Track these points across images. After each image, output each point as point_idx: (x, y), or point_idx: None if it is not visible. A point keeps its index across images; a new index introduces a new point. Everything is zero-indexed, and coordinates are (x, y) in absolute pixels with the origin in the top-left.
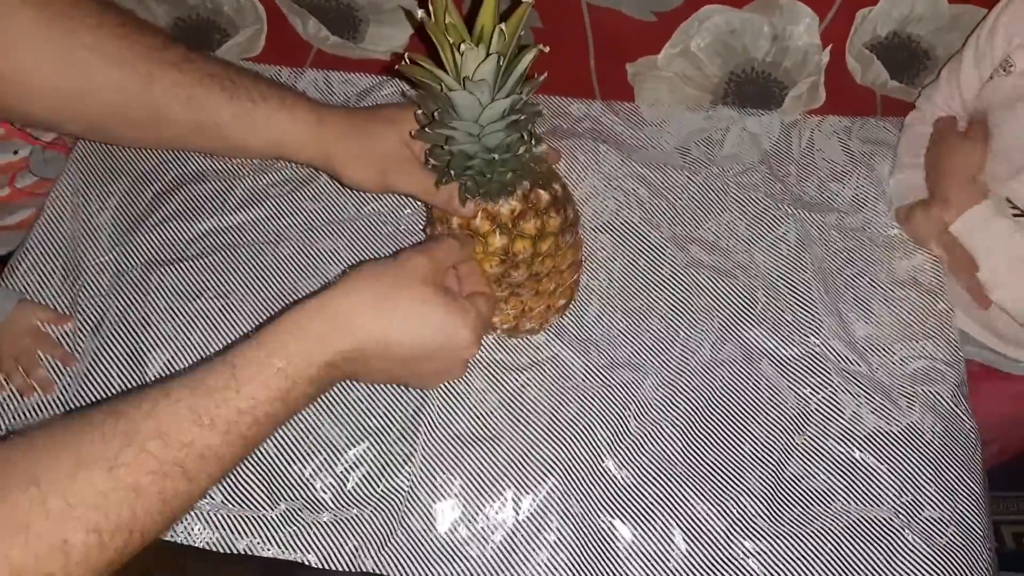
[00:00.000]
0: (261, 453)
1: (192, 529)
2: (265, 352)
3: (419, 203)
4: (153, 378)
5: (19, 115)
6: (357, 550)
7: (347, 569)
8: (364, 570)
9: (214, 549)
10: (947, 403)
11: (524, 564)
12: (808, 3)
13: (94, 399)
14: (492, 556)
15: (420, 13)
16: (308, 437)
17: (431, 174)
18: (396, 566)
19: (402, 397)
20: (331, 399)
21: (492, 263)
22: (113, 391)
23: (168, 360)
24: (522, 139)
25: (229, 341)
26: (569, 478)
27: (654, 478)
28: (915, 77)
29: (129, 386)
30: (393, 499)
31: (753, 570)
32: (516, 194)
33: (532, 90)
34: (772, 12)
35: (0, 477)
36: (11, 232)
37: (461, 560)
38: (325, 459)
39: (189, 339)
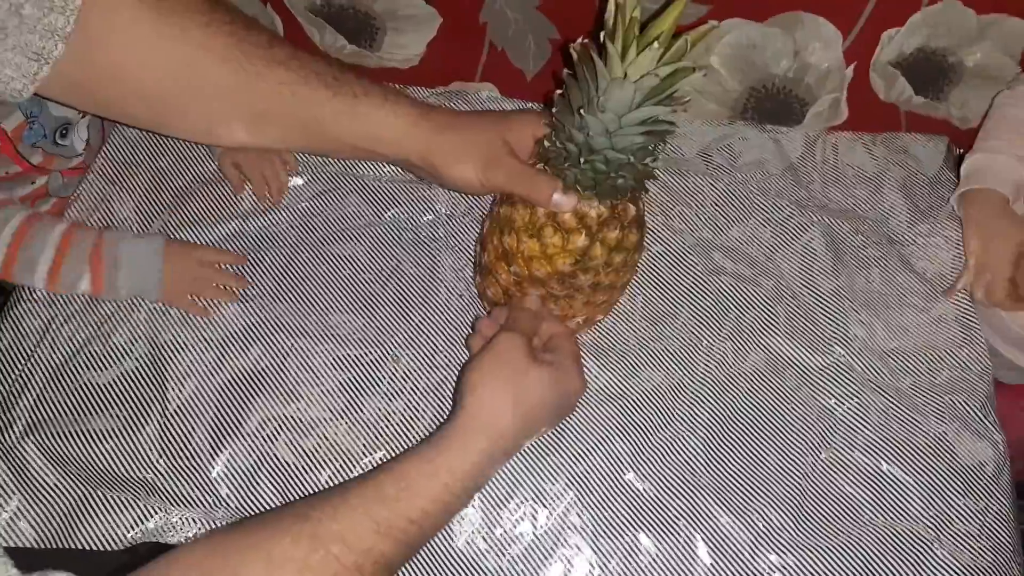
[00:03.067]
0: (277, 459)
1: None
2: (433, 467)
3: (440, 209)
4: (176, 383)
5: (121, 112)
6: None
7: None
8: None
9: None
10: (976, 414)
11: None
12: (831, 19)
13: (117, 402)
14: (510, 569)
15: (610, 2)
16: (323, 444)
17: (534, 171)
18: (409, 571)
19: (419, 405)
20: (344, 406)
21: (566, 260)
22: (136, 394)
23: (190, 364)
24: (649, 151)
25: (248, 346)
26: (589, 490)
27: (677, 490)
28: (940, 92)
29: (150, 390)
30: None
31: None
32: (607, 201)
33: (676, 108)
34: (795, 27)
35: (207, 573)
36: None
37: (479, 572)
38: (341, 466)
39: (209, 343)
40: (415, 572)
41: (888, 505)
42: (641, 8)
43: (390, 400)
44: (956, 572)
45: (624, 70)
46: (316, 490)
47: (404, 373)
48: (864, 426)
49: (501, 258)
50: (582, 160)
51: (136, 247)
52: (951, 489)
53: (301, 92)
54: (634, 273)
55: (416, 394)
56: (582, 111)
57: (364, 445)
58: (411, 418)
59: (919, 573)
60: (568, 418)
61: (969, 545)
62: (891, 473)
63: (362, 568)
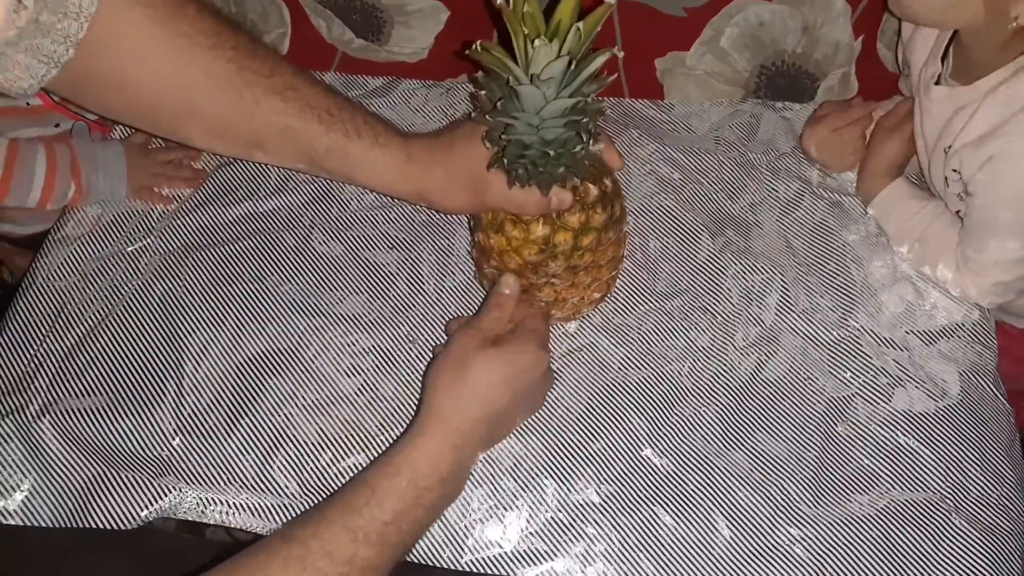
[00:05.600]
0: (293, 437)
1: (227, 515)
2: (394, 467)
3: None
4: (192, 362)
5: (119, 117)
6: None
7: None
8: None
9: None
10: (987, 384)
11: (563, 553)
12: None
13: (133, 380)
14: (529, 546)
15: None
16: (338, 423)
17: (516, 191)
18: (428, 552)
19: None
20: (360, 386)
21: (531, 251)
22: (152, 374)
23: (205, 343)
24: (579, 137)
25: (263, 326)
26: (608, 467)
27: (695, 466)
28: None
29: (167, 368)
30: None
31: (799, 557)
32: (565, 187)
33: (598, 90)
34: (802, 3)
35: None
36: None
37: (496, 546)
38: (355, 445)
39: (225, 322)
40: (427, 545)
41: (905, 476)
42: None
43: (406, 381)
44: (974, 540)
45: (528, 71)
46: (331, 469)
47: (419, 354)
48: (879, 399)
49: (482, 253)
50: (520, 157)
51: (104, 150)
52: (966, 459)
53: (293, 125)
54: (622, 247)
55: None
56: (503, 114)
57: (379, 424)
58: None
59: (938, 542)
60: (585, 397)
61: (985, 514)
62: (907, 444)
63: None
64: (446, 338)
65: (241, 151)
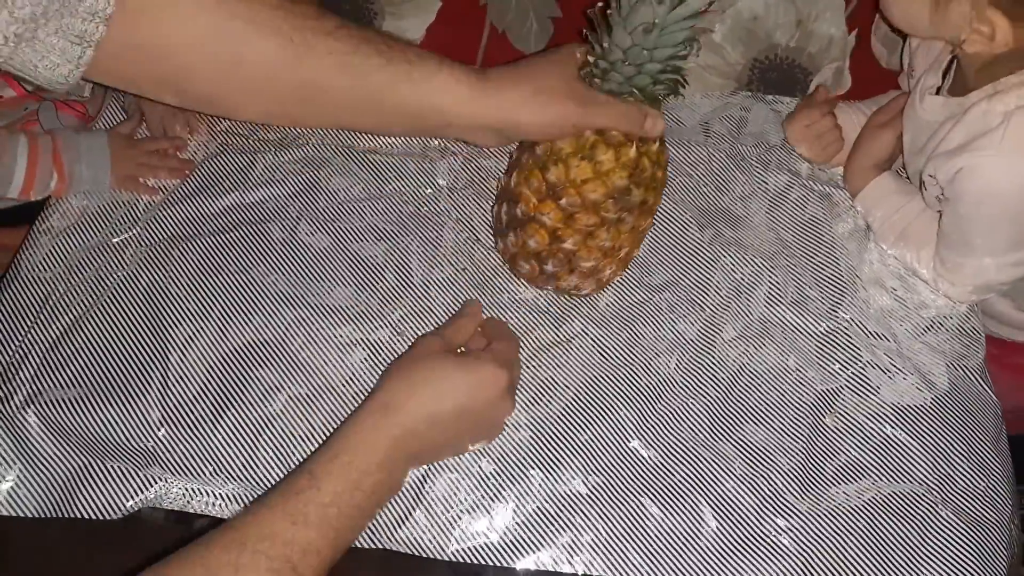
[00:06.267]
0: (279, 428)
1: (213, 506)
2: (333, 451)
3: (440, 183)
4: (177, 353)
5: (172, 91)
6: (377, 531)
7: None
8: (386, 548)
9: None
10: (975, 377)
11: (549, 544)
12: None
13: (119, 371)
14: (516, 536)
15: None
16: (325, 414)
17: (626, 103)
18: (414, 542)
19: None
20: (347, 377)
21: (622, 174)
22: (137, 365)
23: (191, 334)
24: (687, 45)
25: (250, 317)
26: (595, 458)
27: (682, 457)
28: None
29: (152, 359)
30: (414, 476)
31: (786, 547)
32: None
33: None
34: None
35: None
36: None
37: (482, 536)
38: None
39: (211, 313)
40: (414, 537)
41: (892, 468)
42: None
43: None
44: (961, 531)
45: None
46: None
47: (406, 346)
48: (867, 391)
49: (547, 197)
50: (627, 65)
51: (88, 140)
52: (953, 451)
53: (351, 61)
54: (640, 241)
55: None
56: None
57: None
58: None
59: (925, 534)
60: (573, 388)
61: (972, 505)
62: (895, 436)
63: (290, 558)
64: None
65: (285, 108)
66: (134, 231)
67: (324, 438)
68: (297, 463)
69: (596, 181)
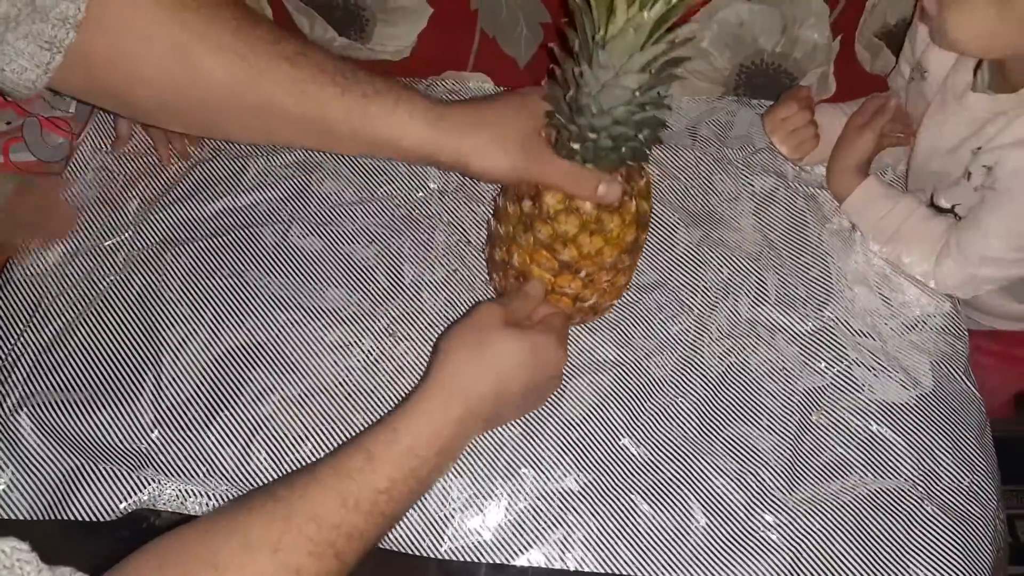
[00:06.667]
0: (273, 429)
1: (207, 507)
2: (394, 433)
3: (431, 186)
4: (171, 355)
5: (124, 102)
6: None
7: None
8: (380, 547)
9: None
10: (959, 374)
11: (542, 541)
12: None
13: (112, 374)
14: (508, 535)
15: None
16: (318, 415)
17: (577, 167)
18: (407, 540)
19: (415, 380)
20: (340, 379)
21: (631, 231)
22: (130, 367)
23: (184, 337)
24: (649, 121)
25: (242, 320)
26: (586, 456)
27: (672, 454)
28: None
29: (145, 362)
30: None
31: (775, 543)
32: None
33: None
34: (781, 3)
35: (183, 559)
36: None
37: (475, 534)
38: (336, 437)
39: (204, 316)
40: (409, 537)
41: (878, 464)
42: None
43: (385, 374)
44: (946, 526)
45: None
46: (311, 460)
47: (398, 348)
48: (853, 388)
49: (562, 271)
50: (589, 132)
51: None
52: (939, 447)
53: (308, 89)
54: (629, 277)
55: (411, 369)
56: (582, 71)
57: (360, 417)
58: (405, 391)
59: (911, 529)
60: (564, 386)
61: (957, 501)
62: (880, 433)
63: (335, 543)
64: (433, 338)
65: (258, 126)
66: (126, 235)
67: (318, 439)
68: (291, 465)
69: (609, 247)
